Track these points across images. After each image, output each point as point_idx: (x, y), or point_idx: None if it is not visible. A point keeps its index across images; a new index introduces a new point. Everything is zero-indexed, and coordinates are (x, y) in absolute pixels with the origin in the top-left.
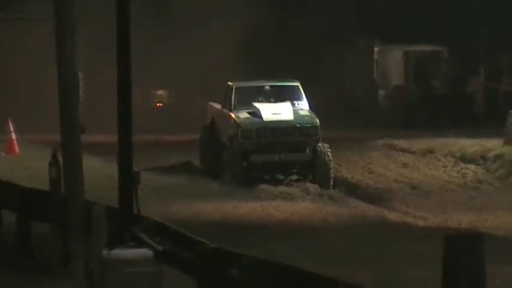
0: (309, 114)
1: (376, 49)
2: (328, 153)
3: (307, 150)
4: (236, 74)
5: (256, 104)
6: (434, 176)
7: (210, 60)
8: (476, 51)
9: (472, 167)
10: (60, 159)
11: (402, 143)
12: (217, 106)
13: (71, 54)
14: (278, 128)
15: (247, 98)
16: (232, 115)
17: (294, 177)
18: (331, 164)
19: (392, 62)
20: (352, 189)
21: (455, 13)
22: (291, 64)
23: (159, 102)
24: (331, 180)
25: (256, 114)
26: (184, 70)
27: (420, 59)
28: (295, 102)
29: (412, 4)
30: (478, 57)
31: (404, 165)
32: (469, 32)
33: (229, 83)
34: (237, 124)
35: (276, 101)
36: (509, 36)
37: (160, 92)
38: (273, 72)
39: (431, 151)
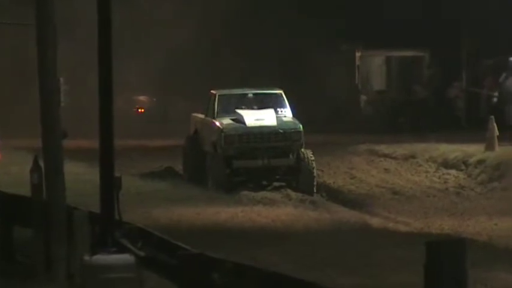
0: (292, 120)
1: (357, 54)
2: (312, 158)
3: (291, 156)
4: (217, 79)
5: (239, 111)
6: (416, 181)
7: (191, 65)
8: (458, 56)
9: (453, 172)
10: (42, 164)
11: (384, 148)
12: (201, 116)
13: (52, 60)
14: (261, 133)
15: (230, 106)
16: (215, 122)
17: (277, 184)
18: (315, 170)
19: (374, 67)
20: (334, 195)
21: (437, 18)
22: (272, 69)
23: (140, 108)
24: (315, 185)
25: (239, 120)
26: (165, 76)
27: (402, 64)
28: (279, 109)
29: (394, 9)
30: (460, 62)
31: (386, 170)
32: (450, 37)
33: (212, 91)
34: (220, 130)
35: (259, 109)
36: (490, 40)
37: (141, 98)
38: (255, 78)
39: (413, 156)
